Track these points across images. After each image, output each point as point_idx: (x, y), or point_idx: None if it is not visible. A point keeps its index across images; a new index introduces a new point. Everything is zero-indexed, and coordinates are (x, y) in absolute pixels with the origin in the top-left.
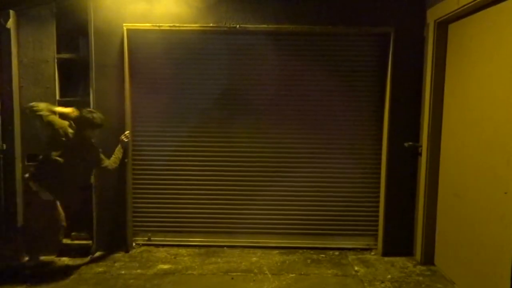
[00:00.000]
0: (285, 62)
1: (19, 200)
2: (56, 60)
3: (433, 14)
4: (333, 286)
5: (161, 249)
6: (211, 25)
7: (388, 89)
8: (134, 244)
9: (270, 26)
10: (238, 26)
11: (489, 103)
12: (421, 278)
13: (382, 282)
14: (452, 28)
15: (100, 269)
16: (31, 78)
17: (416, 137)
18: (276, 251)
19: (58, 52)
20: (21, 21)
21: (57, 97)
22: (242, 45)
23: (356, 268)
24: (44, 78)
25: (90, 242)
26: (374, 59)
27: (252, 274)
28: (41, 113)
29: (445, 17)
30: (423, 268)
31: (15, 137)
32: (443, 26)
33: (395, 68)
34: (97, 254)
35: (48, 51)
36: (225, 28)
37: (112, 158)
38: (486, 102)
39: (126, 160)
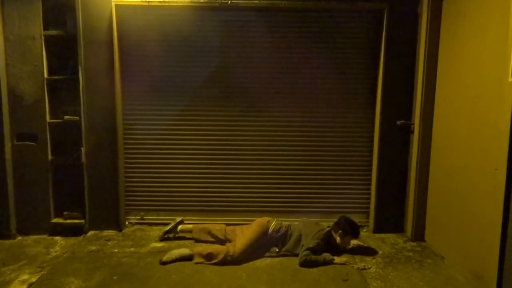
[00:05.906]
0: (277, 39)
1: (10, 180)
2: (43, 37)
3: None
4: None
5: (154, 227)
6: (202, 0)
7: (381, 66)
8: (127, 223)
9: (262, 1)
10: (229, 1)
11: (481, 80)
12: (411, 253)
13: (373, 258)
14: (446, 4)
15: (94, 248)
16: (18, 56)
17: (409, 115)
18: None
19: (45, 28)
20: None
21: (45, 75)
22: (233, 22)
23: None
24: (31, 56)
25: (82, 221)
26: (367, 36)
27: None
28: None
29: None
30: (414, 244)
31: (3, 115)
32: (437, 2)
33: (388, 45)
34: (90, 233)
35: (34, 27)
36: (217, 4)
37: None
38: (478, 79)
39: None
